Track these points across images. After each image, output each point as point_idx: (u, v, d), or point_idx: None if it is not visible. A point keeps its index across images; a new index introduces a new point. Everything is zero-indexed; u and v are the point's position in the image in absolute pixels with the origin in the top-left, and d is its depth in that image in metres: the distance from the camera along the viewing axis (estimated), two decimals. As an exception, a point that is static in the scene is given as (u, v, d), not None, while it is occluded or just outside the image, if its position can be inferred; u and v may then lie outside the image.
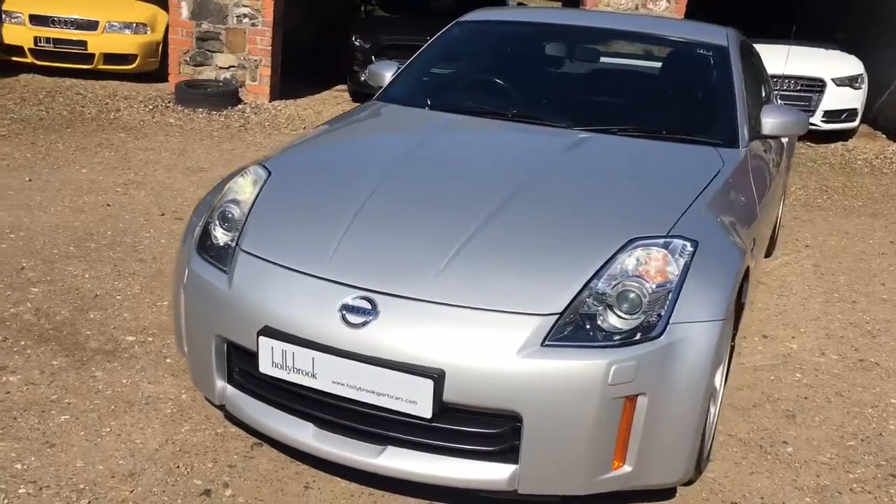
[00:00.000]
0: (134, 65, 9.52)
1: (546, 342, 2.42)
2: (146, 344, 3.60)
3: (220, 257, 2.84)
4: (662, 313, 2.49)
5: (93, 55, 9.35)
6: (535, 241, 2.69)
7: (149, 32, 9.60)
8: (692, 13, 8.51)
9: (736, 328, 3.19)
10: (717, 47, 3.96)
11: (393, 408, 2.44)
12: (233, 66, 8.94)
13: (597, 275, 2.53)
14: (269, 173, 3.10)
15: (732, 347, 3.21)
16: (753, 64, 4.67)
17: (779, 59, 7.68)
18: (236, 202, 2.98)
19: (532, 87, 4.01)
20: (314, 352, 2.49)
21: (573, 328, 2.46)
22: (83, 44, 9.30)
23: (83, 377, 3.29)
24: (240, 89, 8.88)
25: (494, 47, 4.38)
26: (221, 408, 2.87)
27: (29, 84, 8.94)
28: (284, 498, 2.70)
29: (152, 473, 2.77)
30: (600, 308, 2.49)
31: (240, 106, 8.72)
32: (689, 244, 2.65)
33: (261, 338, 2.56)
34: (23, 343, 3.51)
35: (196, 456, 2.88)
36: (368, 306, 2.50)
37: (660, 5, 8.65)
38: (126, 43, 9.46)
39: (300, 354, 2.51)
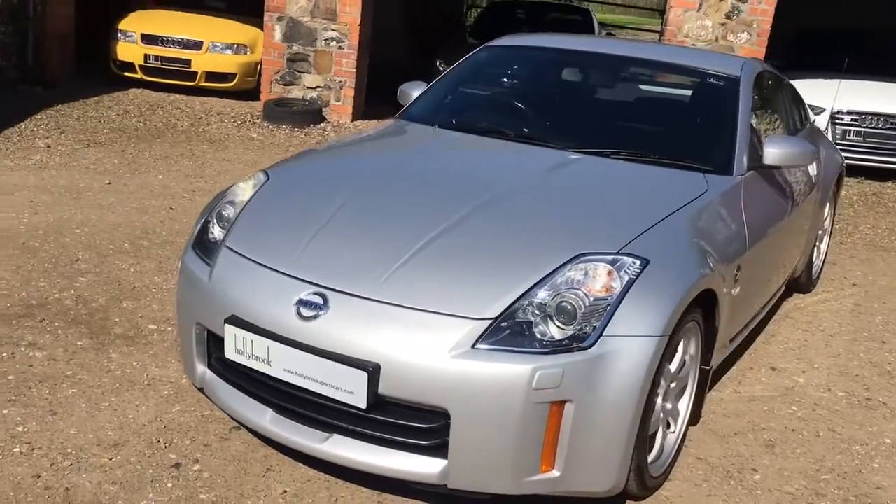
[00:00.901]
0: (233, 83, 10.14)
1: (477, 345, 2.55)
2: (165, 332, 3.90)
3: (209, 252, 3.10)
4: (598, 325, 2.58)
5: (196, 73, 10.02)
6: (486, 251, 2.82)
7: (248, 53, 10.20)
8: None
9: (708, 354, 3.20)
10: (728, 77, 3.99)
11: (333, 396, 2.62)
12: (319, 87, 9.38)
13: (538, 285, 2.65)
14: (268, 178, 3.36)
15: (705, 371, 3.23)
16: (781, 96, 4.64)
17: (857, 94, 7.49)
18: (233, 203, 3.26)
19: (538, 110, 4.14)
20: (269, 341, 2.71)
21: (509, 333, 2.58)
22: (188, 62, 9.99)
23: (99, 358, 3.62)
24: (324, 108, 9.31)
25: (514, 71, 4.55)
26: (201, 391, 3.12)
27: (136, 98, 9.63)
28: (246, 477, 2.92)
29: (134, 445, 3.03)
30: (539, 316, 2.60)
31: (322, 124, 9.13)
32: (637, 262, 2.73)
33: (226, 325, 2.80)
34: (56, 324, 3.88)
35: (178, 434, 3.13)
36: (321, 301, 2.69)
37: (741, 38, 8.56)
38: (227, 62, 10.09)
39: (258, 343, 2.73)
